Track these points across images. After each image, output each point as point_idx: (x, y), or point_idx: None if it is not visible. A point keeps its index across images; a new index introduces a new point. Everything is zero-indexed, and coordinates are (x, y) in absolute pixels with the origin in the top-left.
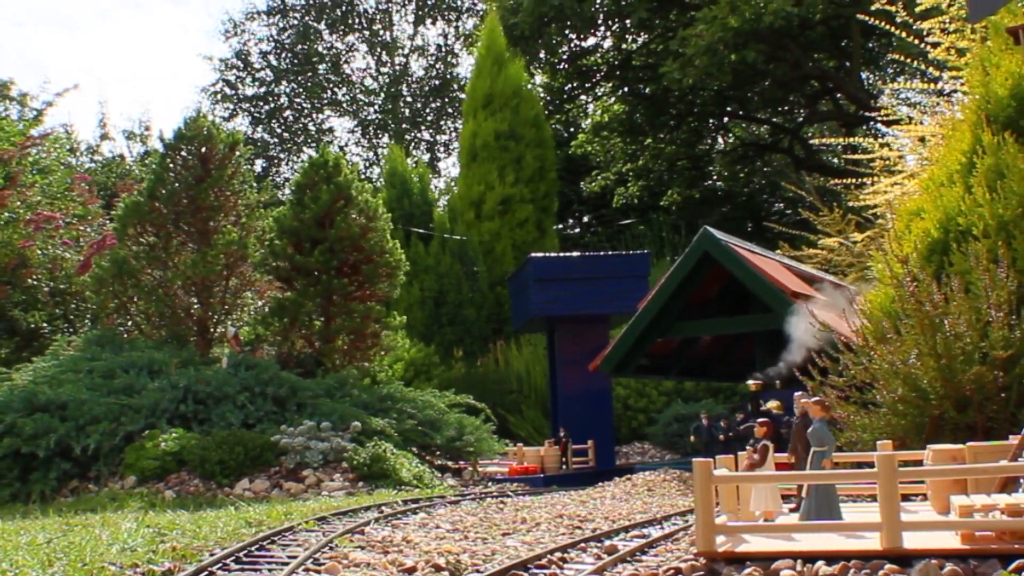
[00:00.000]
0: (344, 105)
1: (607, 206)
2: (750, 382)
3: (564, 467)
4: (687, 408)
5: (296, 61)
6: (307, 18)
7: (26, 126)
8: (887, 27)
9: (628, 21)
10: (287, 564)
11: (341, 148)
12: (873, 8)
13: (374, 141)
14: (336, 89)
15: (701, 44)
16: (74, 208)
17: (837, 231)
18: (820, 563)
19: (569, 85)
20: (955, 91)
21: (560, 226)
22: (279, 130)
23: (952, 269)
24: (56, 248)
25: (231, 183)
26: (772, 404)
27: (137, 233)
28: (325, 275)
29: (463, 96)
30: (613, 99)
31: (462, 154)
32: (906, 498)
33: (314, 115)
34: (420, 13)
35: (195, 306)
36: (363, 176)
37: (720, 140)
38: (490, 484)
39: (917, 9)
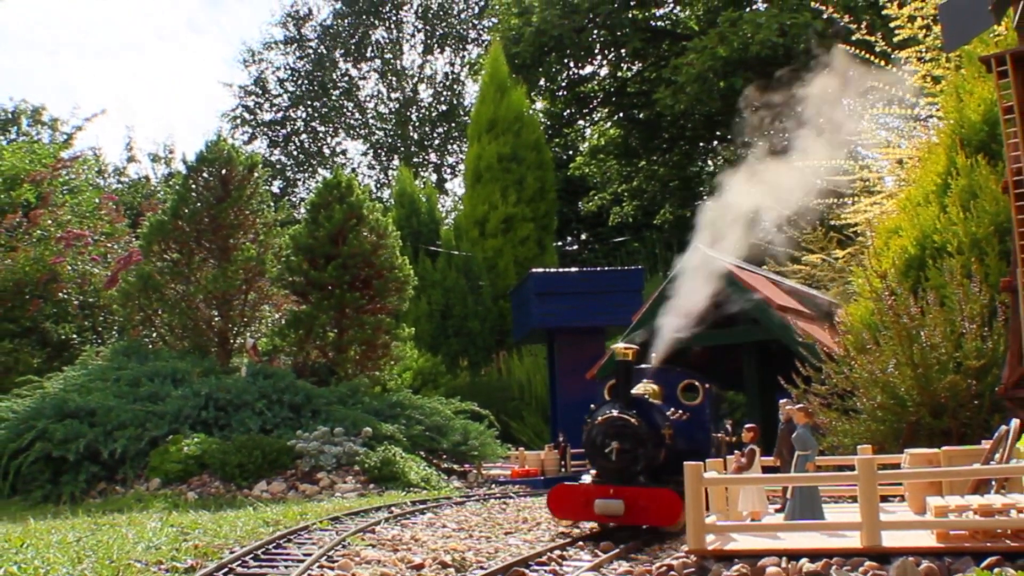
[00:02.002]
0: (356, 129)
1: (603, 224)
2: (620, 345)
3: (563, 470)
4: None
5: (311, 88)
6: (322, 47)
7: (57, 149)
8: (867, 56)
9: (623, 51)
10: (303, 561)
11: (353, 170)
12: (854, 38)
13: (384, 163)
14: (349, 114)
15: (692, 72)
16: (102, 226)
17: (820, 248)
18: (804, 560)
19: (568, 111)
20: (931, 116)
21: (559, 243)
22: (295, 153)
23: (928, 284)
24: (85, 264)
25: (250, 203)
26: (645, 388)
27: (161, 250)
28: (338, 289)
29: (468, 121)
30: (609, 124)
31: (467, 175)
32: (885, 499)
33: (328, 139)
34: (428, 43)
35: (216, 319)
36: (374, 196)
37: (710, 162)
38: (493, 486)
39: (895, 39)
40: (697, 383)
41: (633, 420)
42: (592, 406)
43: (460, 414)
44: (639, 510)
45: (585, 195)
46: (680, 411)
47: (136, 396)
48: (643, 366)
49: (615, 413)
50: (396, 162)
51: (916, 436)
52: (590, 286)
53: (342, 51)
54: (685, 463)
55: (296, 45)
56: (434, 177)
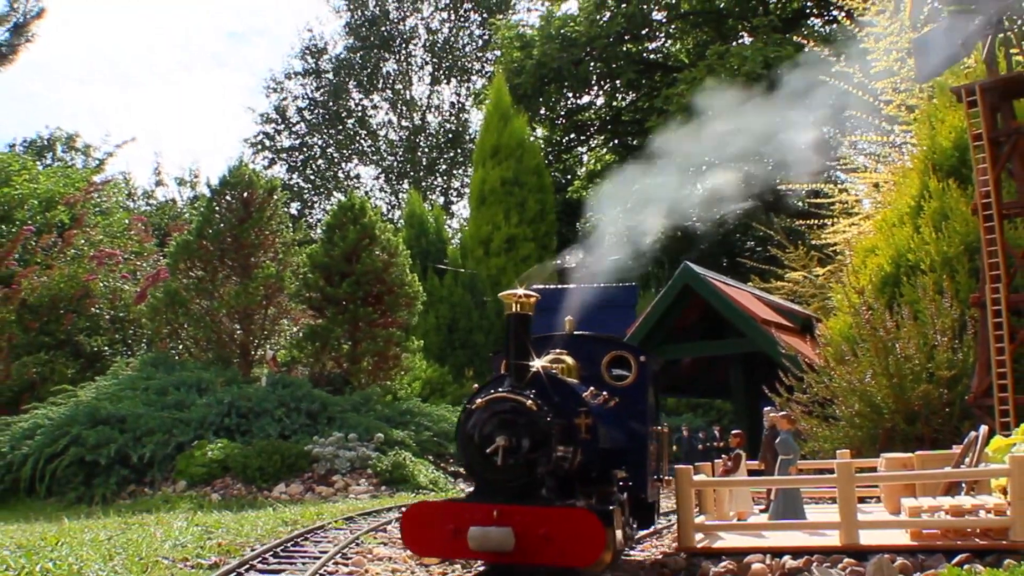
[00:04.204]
0: (369, 155)
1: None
2: (515, 291)
3: None
4: (670, 421)
5: (327, 116)
6: (337, 79)
7: (89, 173)
8: (846, 87)
9: (618, 82)
10: (319, 558)
11: (366, 193)
12: (833, 70)
13: (395, 187)
14: (362, 141)
15: (682, 102)
16: (132, 246)
17: (802, 266)
18: (787, 557)
19: (566, 138)
20: (905, 143)
21: (558, 261)
22: (312, 177)
23: (903, 299)
24: (116, 281)
25: (270, 223)
26: (555, 361)
27: (187, 267)
28: (352, 304)
29: (473, 147)
30: (605, 150)
31: (472, 198)
32: (862, 500)
33: (343, 164)
34: (436, 75)
35: (238, 332)
36: (385, 218)
37: (699, 185)
38: None
39: (872, 71)
40: (629, 355)
41: (530, 404)
42: (475, 386)
43: None
44: (538, 542)
45: (583, 216)
46: (604, 393)
47: (163, 404)
48: (553, 334)
49: (501, 393)
50: (406, 186)
51: (891, 441)
52: (588, 301)
53: (356, 82)
54: (677, 467)
55: (313, 77)
56: (441, 200)
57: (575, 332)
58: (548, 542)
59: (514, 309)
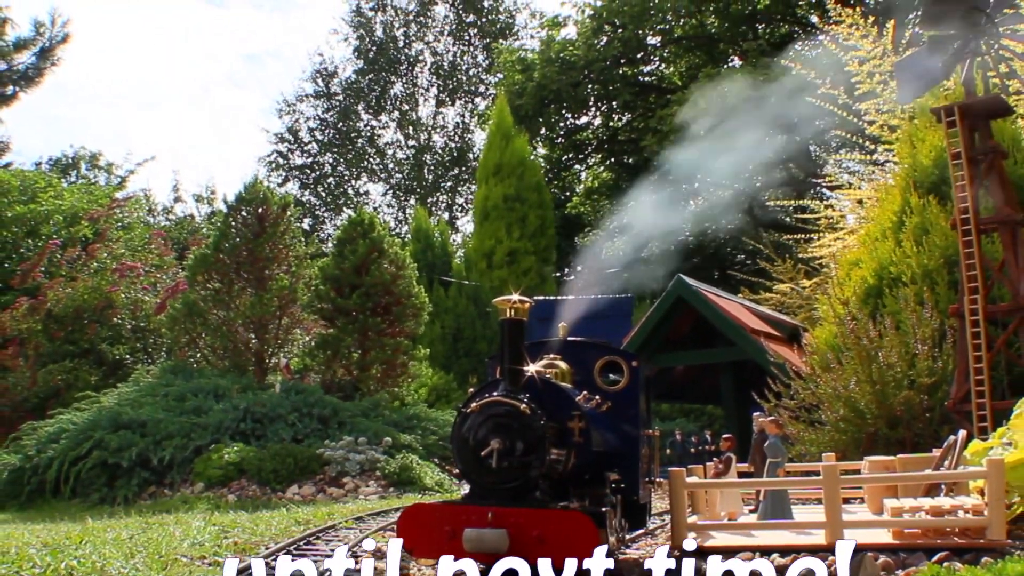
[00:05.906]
0: (377, 173)
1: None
2: (510, 297)
3: None
4: (664, 426)
5: (338, 136)
6: (347, 100)
7: (112, 190)
8: (831, 107)
9: (614, 103)
10: (330, 556)
11: (375, 209)
12: (819, 92)
13: (402, 203)
14: (371, 159)
15: (676, 122)
16: (152, 259)
17: (789, 278)
18: (775, 555)
19: (565, 156)
20: (888, 161)
21: (558, 274)
22: (323, 194)
23: (885, 310)
24: (137, 292)
25: (283, 238)
26: (549, 366)
27: (204, 280)
28: (362, 315)
29: (477, 165)
30: (602, 168)
31: (476, 214)
32: (847, 501)
33: (352, 181)
34: (441, 96)
35: (253, 341)
36: (393, 232)
37: (692, 202)
38: None
39: (856, 92)
40: (621, 360)
41: (524, 407)
42: (471, 390)
43: None
44: (532, 543)
45: (581, 231)
46: (597, 398)
47: (182, 410)
48: (547, 339)
49: (496, 397)
50: (412, 202)
51: (874, 445)
52: (585, 312)
53: (364, 104)
54: (670, 469)
55: (324, 98)
56: (446, 215)
57: (568, 338)
58: (541, 543)
59: (508, 315)
